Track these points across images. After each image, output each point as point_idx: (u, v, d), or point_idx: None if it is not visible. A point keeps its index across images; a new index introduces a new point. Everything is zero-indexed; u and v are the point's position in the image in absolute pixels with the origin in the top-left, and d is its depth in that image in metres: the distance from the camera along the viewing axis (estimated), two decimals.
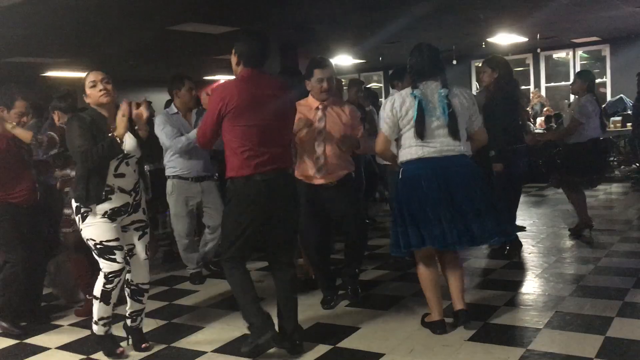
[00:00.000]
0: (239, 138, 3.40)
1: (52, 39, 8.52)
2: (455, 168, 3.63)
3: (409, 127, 3.65)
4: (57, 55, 9.91)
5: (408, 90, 3.72)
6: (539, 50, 13.19)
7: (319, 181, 4.25)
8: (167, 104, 5.91)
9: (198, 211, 5.36)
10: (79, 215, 3.52)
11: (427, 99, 3.64)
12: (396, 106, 3.67)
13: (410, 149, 3.67)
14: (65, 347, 3.94)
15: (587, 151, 6.06)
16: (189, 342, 3.89)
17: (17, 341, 4.09)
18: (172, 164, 5.16)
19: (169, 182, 5.22)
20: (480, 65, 5.29)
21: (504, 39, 10.90)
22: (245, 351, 3.47)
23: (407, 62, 3.80)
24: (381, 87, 16.37)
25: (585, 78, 6.19)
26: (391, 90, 5.39)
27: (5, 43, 8.49)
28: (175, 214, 5.25)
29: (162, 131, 5.02)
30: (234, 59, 3.52)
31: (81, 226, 3.53)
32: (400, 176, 3.73)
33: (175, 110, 5.19)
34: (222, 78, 15.86)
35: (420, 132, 3.61)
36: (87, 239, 3.53)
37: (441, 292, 3.80)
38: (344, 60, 12.91)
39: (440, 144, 3.63)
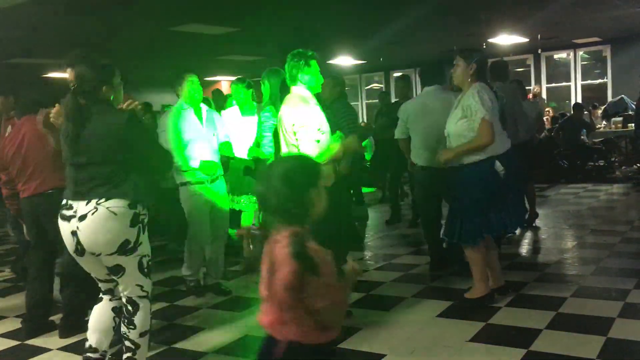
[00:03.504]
0: None
1: (53, 40, 8.52)
2: (508, 160, 4.08)
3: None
4: (58, 56, 9.90)
5: (482, 85, 4.00)
6: (539, 50, 13.19)
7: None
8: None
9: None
10: None
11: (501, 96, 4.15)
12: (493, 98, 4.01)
13: (493, 145, 3.96)
14: (66, 349, 3.95)
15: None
16: (190, 343, 3.90)
17: (18, 342, 4.11)
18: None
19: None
20: None
21: (505, 39, 10.89)
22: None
23: (474, 62, 4.02)
24: (382, 87, 16.34)
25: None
26: (426, 88, 5.11)
27: (6, 44, 8.50)
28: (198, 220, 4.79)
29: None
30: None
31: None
32: (480, 169, 3.98)
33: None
34: (223, 79, 15.87)
35: (504, 126, 4.09)
36: None
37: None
38: (344, 60, 12.91)
39: (505, 138, 4.09)
